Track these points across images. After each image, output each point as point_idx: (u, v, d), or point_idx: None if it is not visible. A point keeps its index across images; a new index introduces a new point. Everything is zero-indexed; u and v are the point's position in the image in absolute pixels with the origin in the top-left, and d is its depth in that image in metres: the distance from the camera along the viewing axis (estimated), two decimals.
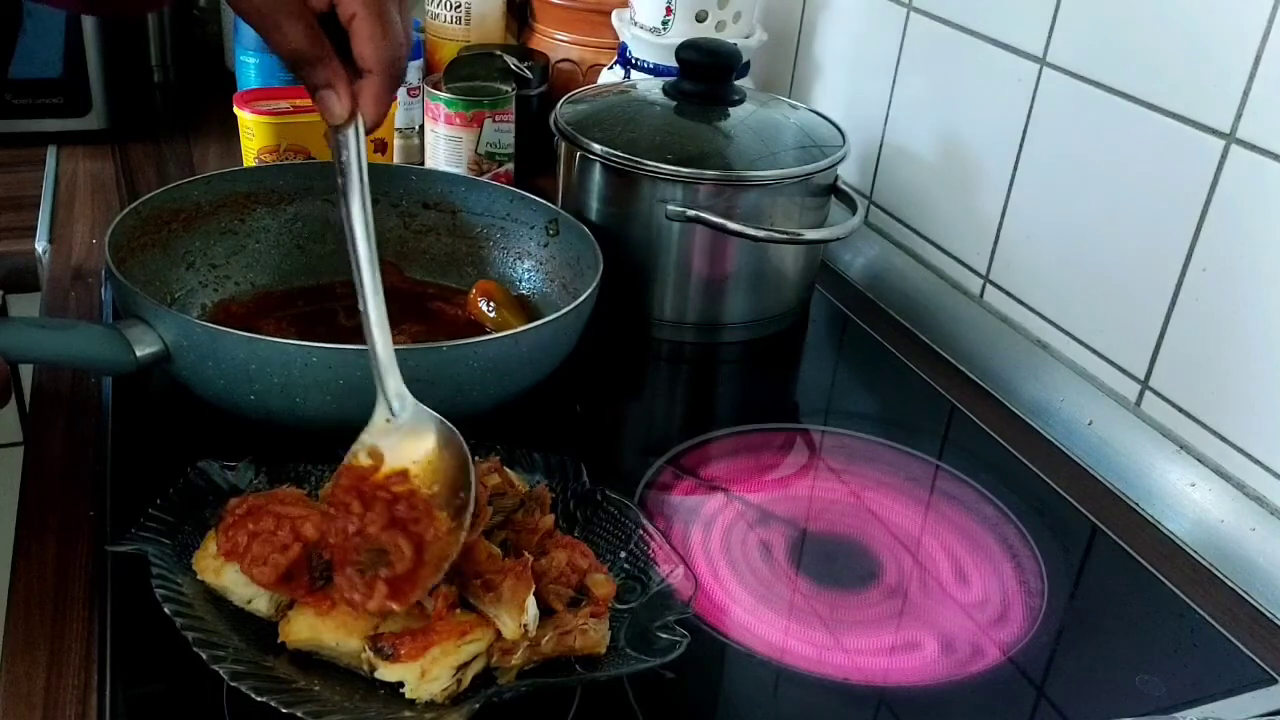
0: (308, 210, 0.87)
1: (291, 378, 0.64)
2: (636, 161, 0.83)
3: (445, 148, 1.04)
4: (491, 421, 0.68)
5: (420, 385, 0.64)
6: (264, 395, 0.65)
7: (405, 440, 0.56)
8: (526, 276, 0.87)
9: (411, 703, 0.51)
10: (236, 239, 0.84)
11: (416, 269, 0.89)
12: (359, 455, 0.55)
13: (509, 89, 1.04)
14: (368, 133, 0.55)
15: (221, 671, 0.49)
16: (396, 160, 1.08)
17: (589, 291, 0.74)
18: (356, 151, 0.55)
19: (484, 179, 0.91)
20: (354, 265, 0.56)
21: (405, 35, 0.55)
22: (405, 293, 0.87)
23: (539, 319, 0.79)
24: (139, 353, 0.65)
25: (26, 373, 0.82)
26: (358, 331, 0.81)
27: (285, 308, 0.83)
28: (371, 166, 0.91)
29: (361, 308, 0.56)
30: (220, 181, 0.83)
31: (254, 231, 0.85)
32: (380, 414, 0.56)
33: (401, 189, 0.89)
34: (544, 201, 0.86)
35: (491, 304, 0.83)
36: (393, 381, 0.57)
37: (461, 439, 0.56)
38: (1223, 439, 0.72)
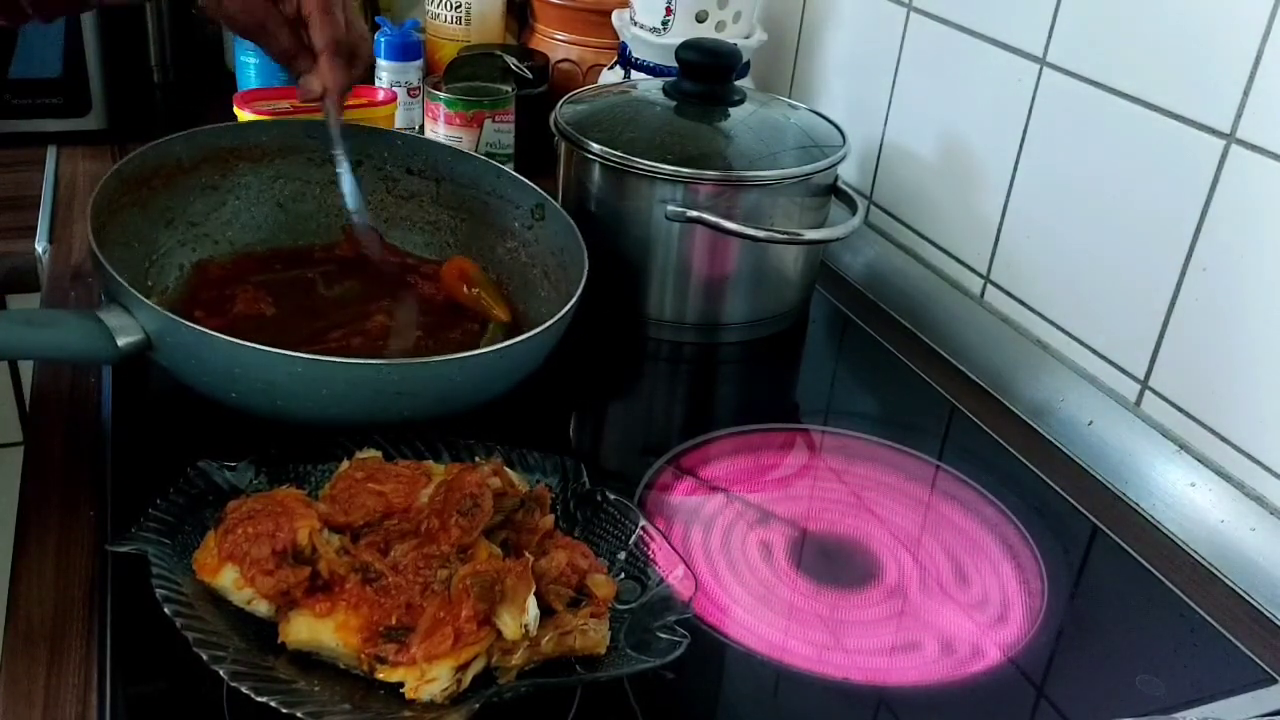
0: (290, 169, 0.85)
1: (276, 382, 0.63)
2: (636, 162, 0.83)
3: None
4: (492, 421, 0.68)
5: (404, 397, 0.64)
6: (246, 396, 0.64)
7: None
8: (508, 256, 0.86)
9: (411, 703, 0.51)
10: (217, 195, 0.83)
11: (396, 235, 0.88)
12: None
13: (509, 89, 1.04)
14: (335, 98, 0.77)
15: (221, 671, 0.49)
16: None
17: (572, 302, 0.72)
18: (334, 115, 0.78)
19: (471, 151, 0.90)
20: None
21: (348, 22, 0.75)
22: (382, 261, 0.85)
23: (515, 298, 0.79)
24: (120, 342, 0.64)
25: (26, 372, 0.82)
26: (336, 304, 0.82)
27: (264, 270, 0.82)
28: (358, 128, 0.96)
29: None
30: (204, 136, 0.82)
31: (234, 188, 0.84)
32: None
33: (386, 152, 0.87)
34: (531, 184, 0.84)
35: (467, 283, 0.83)
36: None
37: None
38: (1223, 439, 0.72)
